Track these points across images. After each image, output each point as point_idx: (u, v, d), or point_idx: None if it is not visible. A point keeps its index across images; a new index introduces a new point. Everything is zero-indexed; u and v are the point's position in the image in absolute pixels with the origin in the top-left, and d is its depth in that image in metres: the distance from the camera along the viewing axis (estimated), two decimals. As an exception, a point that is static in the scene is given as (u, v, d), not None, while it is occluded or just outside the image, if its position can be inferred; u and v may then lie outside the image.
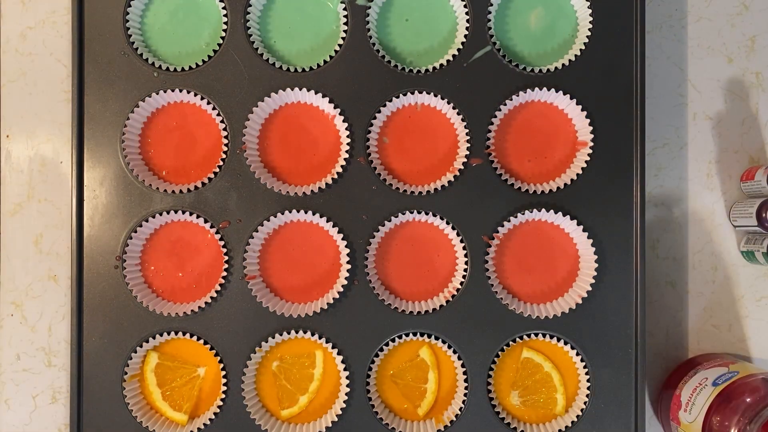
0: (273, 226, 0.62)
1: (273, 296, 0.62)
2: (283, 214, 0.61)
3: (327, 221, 0.61)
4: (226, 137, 0.61)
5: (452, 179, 0.60)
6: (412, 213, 0.61)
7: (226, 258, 0.61)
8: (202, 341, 0.61)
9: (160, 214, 0.61)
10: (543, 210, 0.60)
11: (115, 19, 0.61)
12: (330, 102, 0.61)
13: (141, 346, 0.61)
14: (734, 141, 0.66)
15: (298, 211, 0.61)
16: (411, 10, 0.63)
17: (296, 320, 0.60)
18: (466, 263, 0.61)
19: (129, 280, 0.61)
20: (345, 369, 0.60)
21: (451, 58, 0.61)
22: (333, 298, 0.60)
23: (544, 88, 0.61)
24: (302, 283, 0.62)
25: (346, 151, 0.61)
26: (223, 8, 0.62)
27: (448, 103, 0.61)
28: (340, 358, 0.60)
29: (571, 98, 0.61)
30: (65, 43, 0.67)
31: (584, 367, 0.61)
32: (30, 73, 0.68)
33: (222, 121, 0.61)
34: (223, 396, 0.60)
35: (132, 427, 0.60)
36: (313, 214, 0.61)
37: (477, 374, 0.60)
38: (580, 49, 0.61)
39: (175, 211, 0.61)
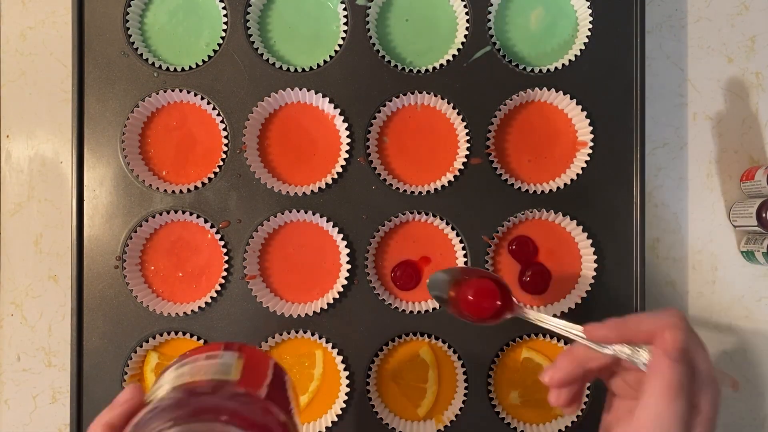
0: (273, 226, 0.62)
1: (273, 296, 0.62)
2: (283, 214, 0.61)
3: (327, 221, 0.61)
4: (226, 137, 0.61)
5: (452, 179, 0.60)
6: (412, 213, 0.61)
7: (226, 258, 0.61)
8: (202, 341, 0.61)
9: (160, 214, 0.61)
10: (543, 210, 0.60)
11: (115, 19, 0.61)
12: (330, 102, 0.61)
13: (141, 346, 0.61)
14: (734, 141, 0.66)
15: (298, 211, 0.61)
16: (411, 10, 0.63)
17: (296, 320, 0.60)
18: (465, 263, 0.61)
19: (129, 280, 0.61)
20: (345, 369, 0.60)
21: (451, 58, 0.61)
22: (333, 298, 0.60)
23: (544, 88, 0.61)
24: (302, 283, 0.62)
25: (346, 151, 0.61)
26: (223, 8, 0.62)
27: (448, 103, 0.61)
28: (340, 358, 0.60)
29: (571, 98, 0.61)
30: (65, 43, 0.67)
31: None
32: (30, 73, 0.68)
33: (222, 121, 0.61)
34: (223, 396, 0.60)
35: (132, 427, 0.60)
36: (313, 214, 0.61)
37: (477, 374, 0.60)
38: (580, 49, 0.61)
39: (175, 211, 0.61)
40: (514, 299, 0.50)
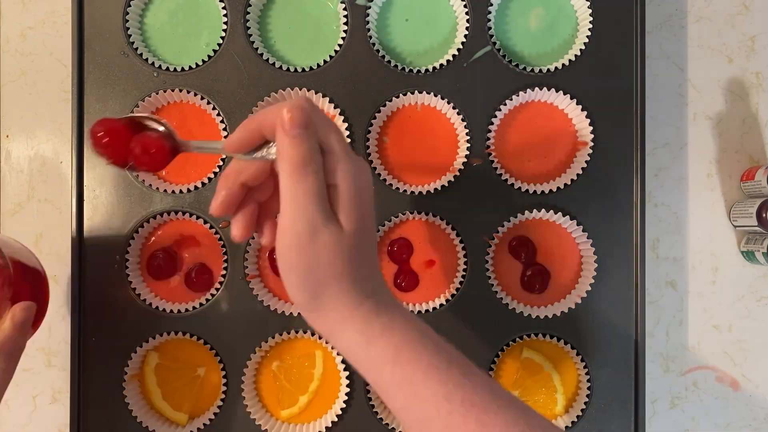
0: (273, 226, 0.62)
1: (273, 296, 0.62)
2: (283, 214, 0.61)
3: (327, 221, 0.61)
4: (225, 137, 0.61)
5: (452, 179, 0.60)
6: (412, 213, 0.61)
7: (226, 258, 0.61)
8: (202, 341, 0.61)
9: (161, 215, 0.61)
10: (543, 210, 0.60)
11: (115, 19, 0.61)
12: (330, 102, 0.61)
13: (141, 346, 0.61)
14: (734, 141, 0.66)
15: (298, 211, 0.61)
16: (411, 10, 0.63)
17: (296, 320, 0.60)
18: (466, 263, 0.61)
19: (129, 280, 0.61)
20: (345, 369, 0.60)
21: (451, 58, 0.61)
22: (333, 298, 0.60)
23: (544, 88, 0.61)
24: (302, 283, 0.62)
25: (346, 151, 0.61)
26: (223, 8, 0.61)
27: (448, 103, 0.61)
28: (340, 358, 0.60)
29: (571, 98, 0.61)
30: (65, 43, 0.67)
31: (584, 367, 0.61)
32: (30, 73, 0.68)
33: (222, 121, 0.61)
34: (223, 396, 0.60)
35: (132, 427, 0.60)
36: (313, 214, 0.60)
37: (477, 374, 0.60)
38: (580, 49, 0.61)
39: (176, 212, 0.61)
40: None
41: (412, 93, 0.61)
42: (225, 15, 0.61)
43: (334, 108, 0.61)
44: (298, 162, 0.38)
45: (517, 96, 0.61)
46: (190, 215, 0.61)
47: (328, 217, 0.39)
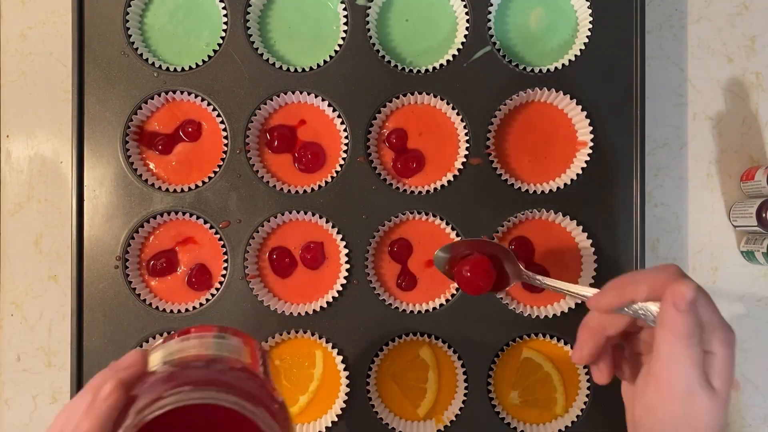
0: (273, 226, 0.62)
1: (273, 296, 0.62)
2: (283, 214, 0.61)
3: (327, 221, 0.61)
4: (225, 137, 0.61)
5: (452, 179, 0.60)
6: (412, 213, 0.61)
7: (226, 258, 0.61)
8: (202, 341, 0.61)
9: (161, 215, 0.61)
10: (543, 210, 0.60)
11: (115, 19, 0.61)
12: (329, 102, 0.61)
13: (141, 346, 0.61)
14: (734, 141, 0.66)
15: (298, 212, 0.61)
16: (411, 10, 0.63)
17: (296, 320, 0.60)
18: (466, 263, 0.61)
19: (129, 280, 0.61)
20: (345, 369, 0.60)
21: (451, 58, 0.61)
22: (333, 298, 0.60)
23: (544, 88, 0.61)
24: (302, 282, 0.62)
25: (344, 151, 0.61)
26: (223, 8, 0.61)
27: (448, 103, 0.61)
28: (340, 358, 0.60)
29: (571, 98, 0.61)
30: (65, 43, 0.67)
31: (584, 366, 0.61)
32: (30, 73, 0.68)
33: (222, 122, 0.61)
34: (223, 396, 0.60)
35: (132, 427, 0.60)
36: (313, 214, 0.61)
37: (477, 374, 0.60)
38: (580, 49, 0.61)
39: (176, 212, 0.61)
40: (520, 266, 0.53)
41: (412, 93, 0.61)
42: (225, 15, 0.61)
43: (333, 111, 0.61)
44: (683, 334, 0.40)
45: (517, 96, 0.61)
46: (190, 215, 0.61)
47: (704, 383, 0.40)
